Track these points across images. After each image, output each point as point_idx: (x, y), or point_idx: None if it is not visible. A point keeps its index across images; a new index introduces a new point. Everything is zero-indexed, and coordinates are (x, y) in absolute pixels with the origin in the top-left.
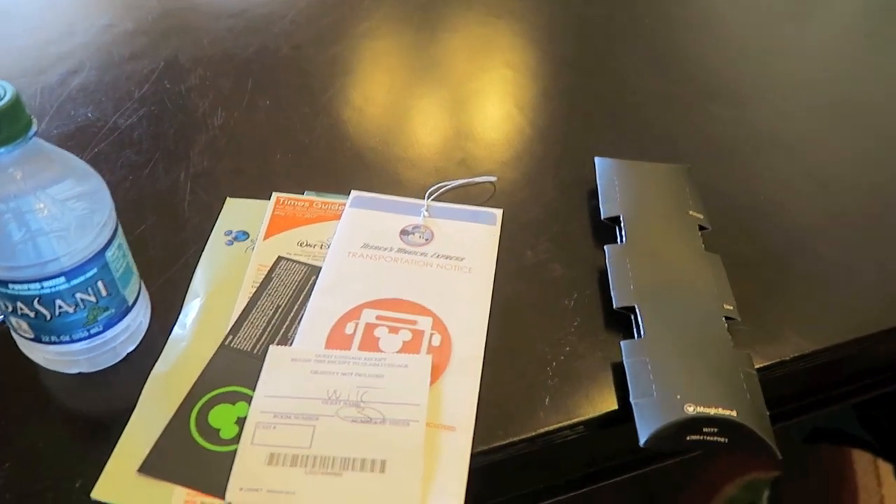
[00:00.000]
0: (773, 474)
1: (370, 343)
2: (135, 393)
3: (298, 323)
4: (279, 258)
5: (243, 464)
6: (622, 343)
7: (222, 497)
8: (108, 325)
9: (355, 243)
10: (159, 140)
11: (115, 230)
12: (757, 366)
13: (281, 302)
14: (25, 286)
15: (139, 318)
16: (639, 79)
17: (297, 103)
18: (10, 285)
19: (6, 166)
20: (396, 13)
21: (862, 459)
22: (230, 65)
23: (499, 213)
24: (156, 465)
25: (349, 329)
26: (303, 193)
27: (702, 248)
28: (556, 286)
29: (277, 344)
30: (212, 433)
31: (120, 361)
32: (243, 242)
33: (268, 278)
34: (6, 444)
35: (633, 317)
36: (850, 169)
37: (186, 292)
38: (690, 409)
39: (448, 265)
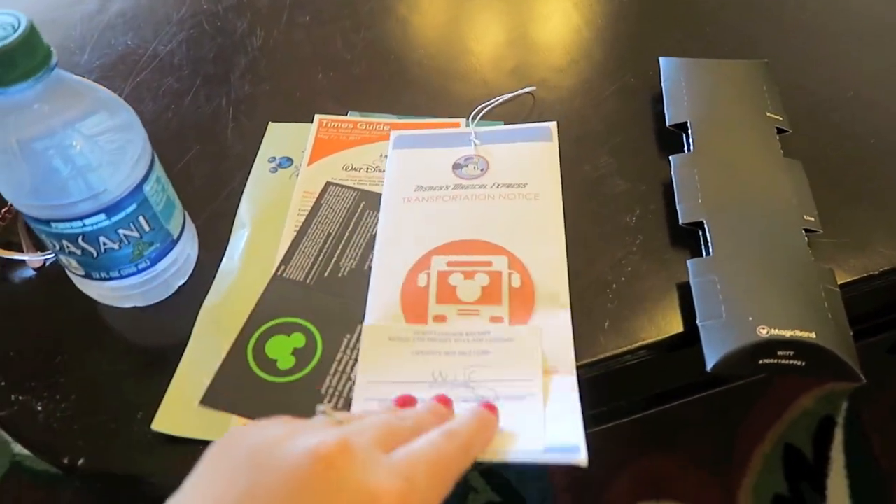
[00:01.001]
0: (853, 386)
1: (447, 294)
2: (189, 325)
3: (352, 250)
4: (328, 184)
5: None
6: (689, 262)
7: None
8: (156, 260)
9: (408, 187)
10: (199, 65)
11: (152, 164)
12: (841, 282)
13: (332, 229)
14: (67, 224)
15: (186, 251)
16: None
17: (338, 17)
18: (53, 224)
19: (31, 102)
20: None
21: None
22: None
23: (553, 125)
24: (216, 397)
25: (422, 281)
26: (346, 114)
27: (780, 154)
28: (616, 202)
29: (328, 275)
30: (269, 364)
31: (172, 294)
32: (287, 169)
33: (317, 205)
34: (70, 377)
35: (700, 233)
36: None
37: (233, 223)
38: (763, 332)
39: (511, 194)
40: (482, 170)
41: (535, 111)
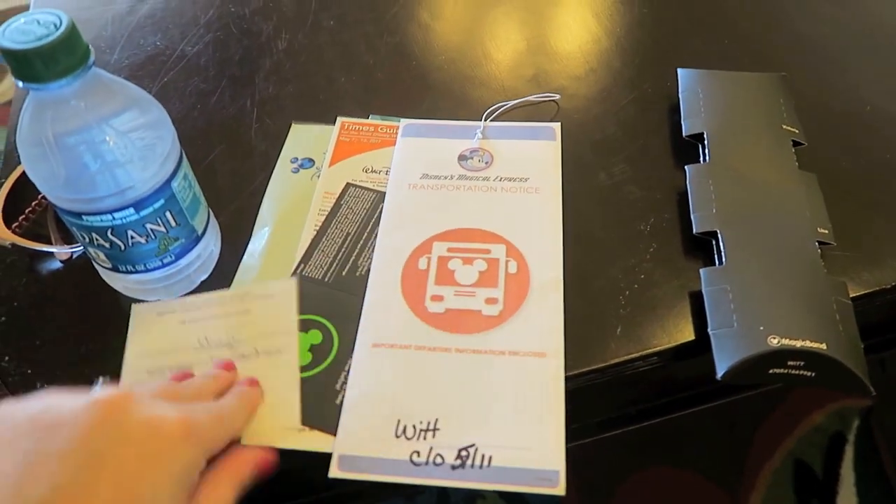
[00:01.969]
0: (866, 403)
1: (446, 277)
2: None
3: (369, 250)
4: (348, 185)
5: None
6: (702, 270)
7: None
8: (180, 255)
9: (414, 174)
10: (225, 66)
11: (180, 161)
12: (853, 294)
13: (350, 229)
14: (98, 218)
15: (210, 247)
16: None
17: (362, 21)
18: (84, 217)
19: (68, 98)
20: None
21: None
22: None
23: (557, 126)
24: None
25: (422, 264)
26: (367, 117)
27: (795, 166)
28: (631, 209)
29: (346, 274)
30: None
31: (195, 289)
32: (309, 170)
33: (337, 205)
34: (94, 366)
35: (714, 242)
36: None
37: (255, 221)
38: (774, 342)
39: (512, 188)
40: (486, 163)
41: (553, 118)
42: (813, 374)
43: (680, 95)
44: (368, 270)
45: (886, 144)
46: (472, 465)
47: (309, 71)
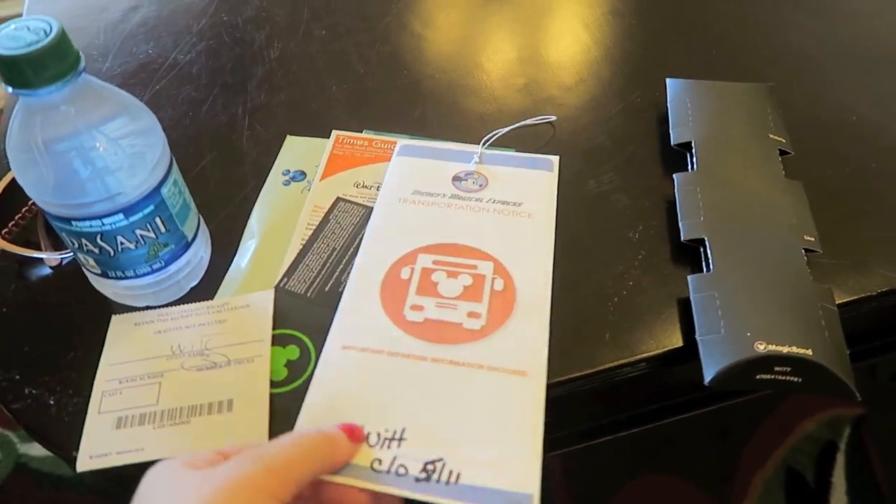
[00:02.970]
0: (857, 412)
1: (428, 288)
2: None
3: (352, 267)
4: (338, 199)
5: (91, 433)
6: (689, 277)
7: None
8: (170, 261)
9: (405, 190)
10: (217, 75)
11: (170, 167)
12: (839, 301)
13: (336, 244)
14: (87, 223)
15: (200, 254)
16: None
17: (354, 31)
18: (74, 222)
19: (58, 104)
20: None
21: None
22: None
23: (555, 159)
24: None
25: (405, 274)
26: (361, 131)
27: (782, 175)
28: (619, 217)
29: (329, 289)
30: None
31: (184, 296)
32: (300, 183)
33: (325, 220)
34: (83, 372)
35: (702, 250)
36: None
37: (244, 231)
38: (761, 347)
39: (506, 210)
40: (481, 185)
41: (542, 129)
42: (800, 380)
43: (668, 105)
44: None
45: (872, 153)
46: (438, 480)
47: (301, 79)
